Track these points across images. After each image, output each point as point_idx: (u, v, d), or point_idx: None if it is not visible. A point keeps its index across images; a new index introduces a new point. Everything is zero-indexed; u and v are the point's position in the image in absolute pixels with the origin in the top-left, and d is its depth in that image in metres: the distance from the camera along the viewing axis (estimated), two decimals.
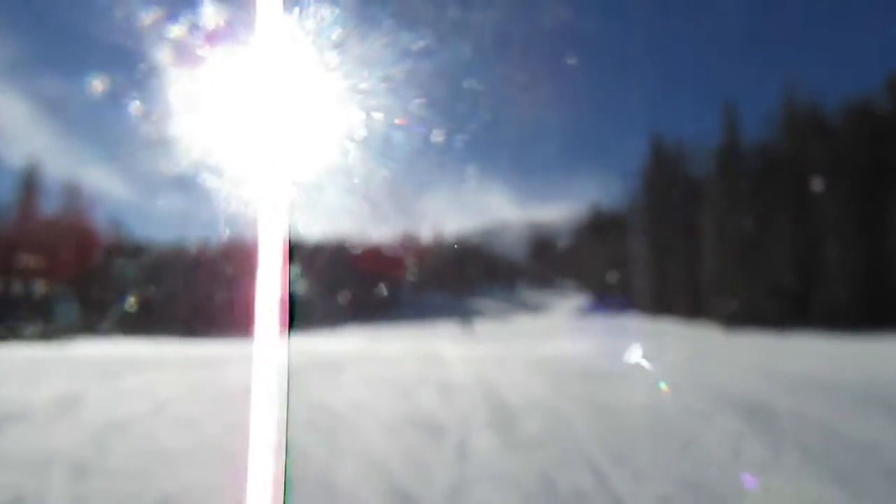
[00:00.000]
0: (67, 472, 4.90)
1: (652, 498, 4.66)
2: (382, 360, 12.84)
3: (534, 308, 43.07)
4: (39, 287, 26.12)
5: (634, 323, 29.00)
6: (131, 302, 26.07)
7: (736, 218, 26.19)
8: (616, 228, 36.20)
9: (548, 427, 6.44)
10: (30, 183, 31.43)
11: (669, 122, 32.34)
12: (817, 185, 24.21)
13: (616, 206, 41.23)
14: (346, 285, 30.98)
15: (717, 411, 6.79)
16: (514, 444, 5.84)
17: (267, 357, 1.87)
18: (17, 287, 25.21)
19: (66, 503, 4.28)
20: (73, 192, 33.13)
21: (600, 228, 40.38)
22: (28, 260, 26.81)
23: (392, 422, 6.66)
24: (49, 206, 33.47)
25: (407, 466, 5.23)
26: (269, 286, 2.08)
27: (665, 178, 30.77)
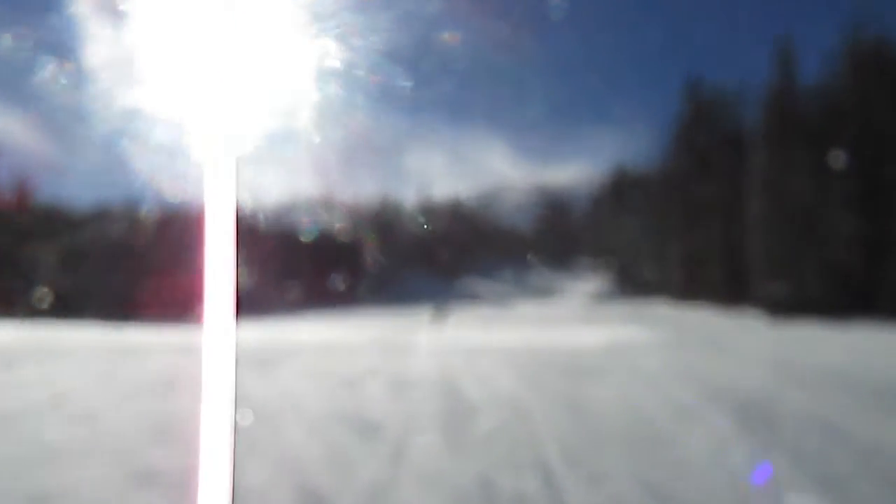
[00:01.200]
0: None
1: (603, 502, 5.07)
2: (336, 350, 13.28)
3: (542, 291, 43.52)
4: None
5: (661, 310, 29.52)
6: (46, 281, 26.49)
7: (789, 180, 26.36)
8: (643, 193, 36.46)
9: (505, 426, 6.86)
10: None
11: (709, 61, 32.48)
12: (889, 138, 24.43)
13: (643, 166, 41.40)
14: (312, 264, 31.36)
15: (711, 412, 7.21)
16: (459, 445, 6.26)
17: (208, 346, 2.07)
18: None
19: None
20: None
21: (624, 194, 40.61)
22: None
23: (323, 420, 7.08)
24: None
25: (326, 468, 5.65)
26: (214, 264, 2.18)
27: (703, 131, 31.00)
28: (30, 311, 22.64)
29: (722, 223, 29.44)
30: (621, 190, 41.68)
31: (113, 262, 29.44)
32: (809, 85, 28.00)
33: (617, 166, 45.56)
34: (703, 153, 30.71)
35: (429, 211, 44.69)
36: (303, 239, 31.94)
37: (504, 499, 5.09)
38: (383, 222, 43.59)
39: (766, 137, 27.20)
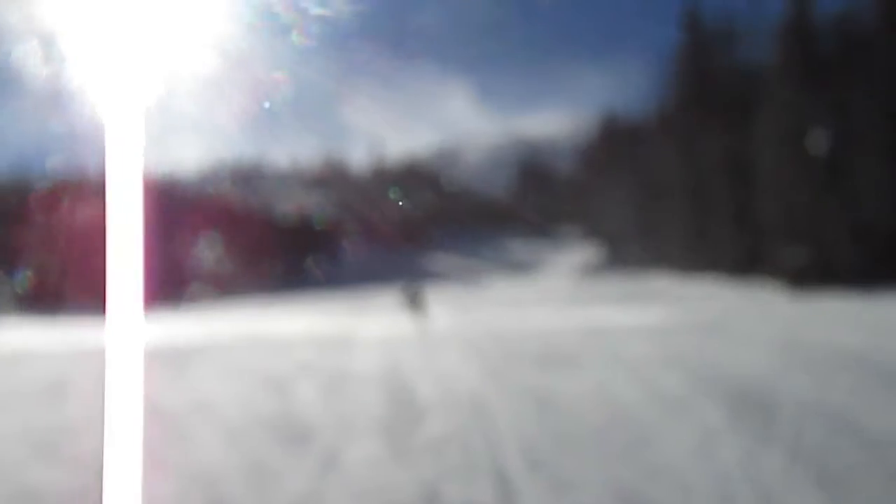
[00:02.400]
0: None
1: None
2: (268, 343, 13.34)
3: (520, 266, 43.77)
4: None
5: (659, 285, 29.85)
6: None
7: (808, 126, 26.52)
8: (636, 146, 36.66)
9: (460, 428, 6.98)
10: None
11: None
12: None
13: (636, 113, 41.34)
14: (244, 240, 31.16)
15: (701, 403, 7.38)
16: (404, 451, 6.37)
17: (111, 343, 2.07)
18: None
19: None
20: None
21: (614, 147, 40.66)
22: None
23: (244, 426, 7.16)
24: None
25: (242, 481, 5.74)
26: (118, 244, 2.15)
27: (705, 70, 31.18)
28: None
29: (731, 179, 29.65)
30: (611, 142, 41.63)
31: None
32: (829, 13, 28.23)
33: (606, 113, 45.28)
34: (707, 96, 30.84)
35: (382, 173, 44.51)
36: (234, 211, 31.74)
37: None
38: (328, 188, 43.36)
39: (780, 76, 27.36)
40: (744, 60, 31.15)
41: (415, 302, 18.74)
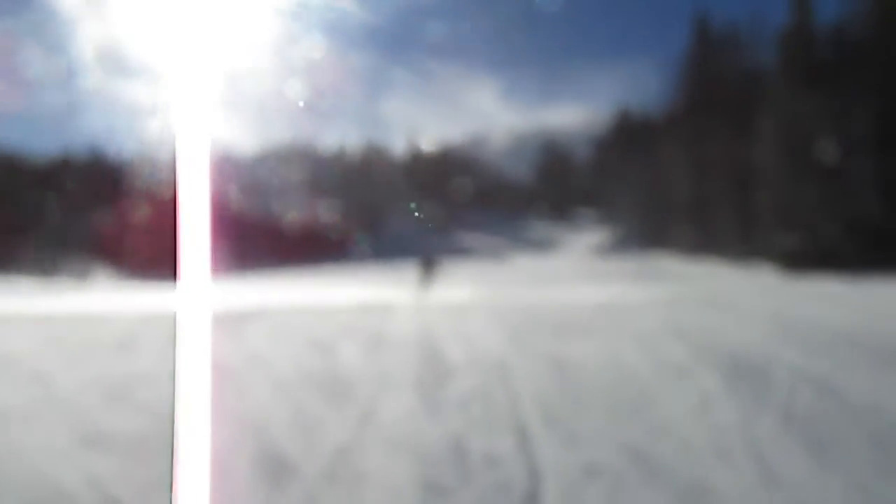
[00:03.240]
0: None
1: (575, 466, 5.22)
2: (315, 309, 13.42)
3: (539, 245, 43.73)
4: None
5: (667, 265, 29.70)
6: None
7: (804, 124, 26.34)
8: (648, 139, 36.43)
9: (484, 387, 7.00)
10: None
11: None
12: None
13: (648, 110, 41.25)
14: (294, 217, 31.38)
15: (700, 370, 7.36)
16: (434, 407, 6.41)
17: (189, 305, 2.12)
18: None
19: None
20: None
21: (628, 139, 40.50)
22: None
23: (292, 381, 7.21)
24: None
25: (290, 431, 5.79)
26: (187, 218, 2.19)
27: (712, 72, 30.89)
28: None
29: (733, 171, 29.50)
30: (625, 135, 41.57)
31: (82, 216, 29.44)
32: (828, 23, 27.89)
33: (620, 109, 45.32)
34: (713, 95, 30.67)
35: (417, 159, 44.59)
36: (287, 191, 31.90)
37: (474, 463, 5.25)
38: (367, 172, 43.50)
39: (781, 79, 27.16)
40: (748, 64, 30.89)
41: (433, 274, 18.79)
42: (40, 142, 35.38)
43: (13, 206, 29.40)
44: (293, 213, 30.76)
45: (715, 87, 31.03)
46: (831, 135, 25.63)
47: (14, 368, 7.43)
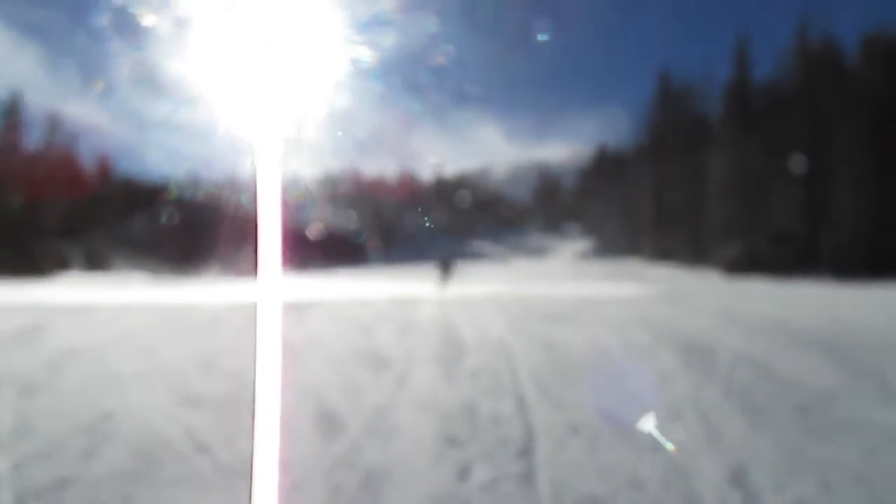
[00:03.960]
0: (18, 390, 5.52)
1: (562, 425, 5.21)
2: (358, 300, 13.44)
3: (536, 251, 43.59)
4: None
5: (634, 267, 29.52)
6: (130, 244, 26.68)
7: (742, 158, 26.28)
8: (621, 169, 36.27)
9: (491, 362, 6.99)
10: (12, 113, 31.58)
11: (679, 57, 32.06)
12: (828, 125, 24.21)
13: (621, 146, 41.16)
14: (341, 228, 31.44)
15: (661, 351, 7.31)
16: (451, 376, 6.41)
17: (264, 296, 2.15)
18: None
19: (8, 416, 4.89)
20: (56, 125, 33.44)
21: (605, 169, 40.38)
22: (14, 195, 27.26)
23: (343, 355, 7.24)
24: (32, 139, 33.81)
25: (340, 393, 5.82)
26: (265, 229, 2.24)
27: (671, 117, 30.73)
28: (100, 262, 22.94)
29: (686, 194, 29.42)
30: (603, 166, 41.51)
31: (190, 227, 29.63)
32: (762, 79, 27.78)
33: (599, 146, 45.47)
34: (672, 135, 30.58)
35: (441, 183, 44.67)
36: (334, 209, 32.02)
37: (483, 420, 5.25)
38: (403, 193, 43.59)
39: (724, 123, 27.06)
40: (699, 111, 30.76)
41: (447, 271, 18.75)
42: (149, 168, 35.73)
43: (128, 217, 29.66)
44: (339, 225, 30.85)
45: (673, 129, 30.95)
46: (764, 167, 25.57)
47: (129, 344, 7.49)
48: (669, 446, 4.72)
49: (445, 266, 18.78)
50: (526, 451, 4.69)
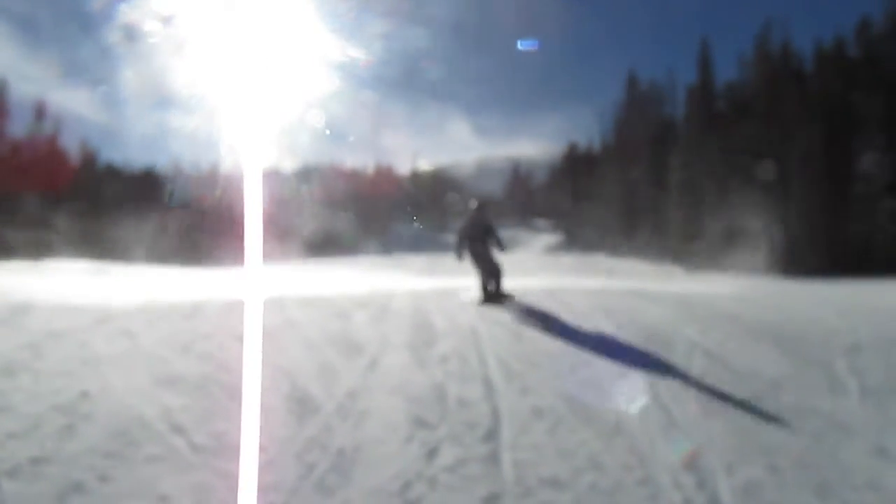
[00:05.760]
0: None
1: (527, 408, 5.26)
2: (337, 287, 13.35)
3: (507, 244, 43.73)
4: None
5: (600, 261, 29.73)
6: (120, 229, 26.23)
7: (704, 161, 26.56)
8: (589, 167, 36.49)
9: (460, 348, 7.00)
10: None
11: (645, 60, 32.44)
12: (785, 128, 24.58)
13: (590, 145, 41.42)
14: (322, 218, 31.23)
15: (623, 338, 7.38)
16: (422, 361, 6.42)
17: (245, 282, 2.14)
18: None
19: None
20: (41, 113, 32.77)
21: (574, 167, 40.58)
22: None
23: (316, 340, 7.21)
24: (16, 127, 33.13)
25: (314, 374, 5.81)
26: (249, 218, 2.22)
27: (637, 118, 30.97)
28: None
29: (651, 192, 29.67)
30: (572, 163, 41.67)
31: (176, 217, 29.29)
32: (724, 82, 28.07)
33: (569, 144, 45.63)
34: (638, 135, 30.81)
35: (416, 177, 44.57)
36: (313, 198, 31.78)
37: (451, 403, 5.27)
38: (379, 186, 43.40)
39: (687, 125, 27.32)
40: (664, 112, 31.02)
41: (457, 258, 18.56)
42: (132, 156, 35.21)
43: (112, 206, 29.19)
44: (318, 217, 30.66)
45: (639, 129, 31.18)
46: (724, 168, 25.88)
47: (108, 327, 7.38)
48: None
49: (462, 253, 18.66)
50: (493, 433, 4.73)
